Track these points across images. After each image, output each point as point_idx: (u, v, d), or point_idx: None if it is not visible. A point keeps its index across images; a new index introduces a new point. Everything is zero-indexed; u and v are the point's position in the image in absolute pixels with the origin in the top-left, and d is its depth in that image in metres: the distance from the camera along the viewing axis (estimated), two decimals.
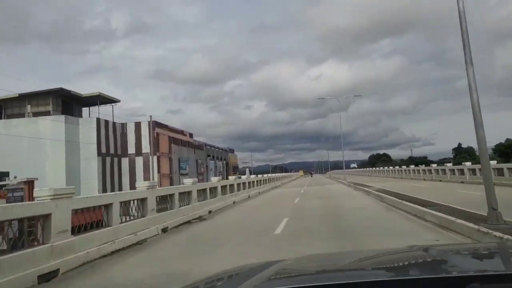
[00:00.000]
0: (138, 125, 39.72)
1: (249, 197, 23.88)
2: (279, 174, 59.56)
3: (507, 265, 1.56)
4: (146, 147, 39.74)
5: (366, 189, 22.54)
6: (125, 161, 39.89)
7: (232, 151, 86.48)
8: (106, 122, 37.82)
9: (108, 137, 37.69)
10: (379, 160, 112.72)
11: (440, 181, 32.18)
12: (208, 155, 63.92)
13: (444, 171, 33.75)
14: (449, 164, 32.16)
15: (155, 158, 39.65)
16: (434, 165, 36.40)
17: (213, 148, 67.64)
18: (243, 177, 31.77)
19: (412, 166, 44.78)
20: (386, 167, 64.33)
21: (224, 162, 74.20)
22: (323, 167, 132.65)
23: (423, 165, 45.83)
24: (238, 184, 22.75)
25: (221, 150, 73.73)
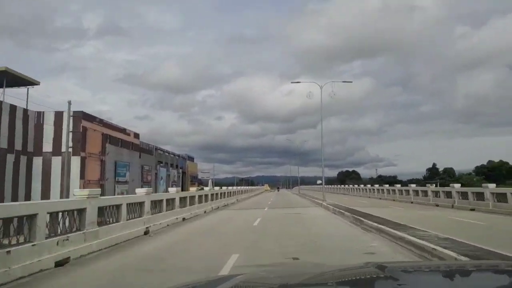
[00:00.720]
0: (59, 116, 30.73)
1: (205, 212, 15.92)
2: (241, 187, 51.58)
3: (457, 285, 1.64)
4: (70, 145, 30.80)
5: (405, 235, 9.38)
6: (37, 161, 30.69)
7: (191, 159, 77.79)
8: (12, 107, 28.64)
9: (14, 128, 28.49)
10: (348, 178, 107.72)
11: (437, 205, 25.64)
12: (160, 161, 55.07)
13: (436, 193, 27.39)
14: (458, 185, 25.51)
15: (77, 159, 30.73)
16: (432, 187, 30.17)
17: (166, 154, 58.87)
18: (206, 188, 28.97)
19: (398, 186, 38.32)
20: (359, 186, 57.71)
21: (181, 170, 65.43)
22: (291, 182, 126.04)
23: (399, 185, 40.03)
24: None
25: (177, 157, 64.98)
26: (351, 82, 39.66)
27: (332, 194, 64.54)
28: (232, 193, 33.35)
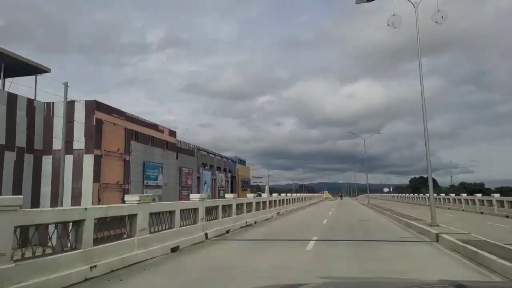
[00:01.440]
0: (71, 106, 25.75)
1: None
2: (294, 195, 43.80)
3: None
4: (81, 141, 25.78)
5: None
6: (47, 161, 26.00)
7: (242, 162, 71.57)
8: (12, 96, 24.12)
9: (15, 122, 23.96)
10: (423, 185, 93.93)
11: None
12: (204, 164, 49.42)
13: None
14: None
15: (89, 157, 25.48)
16: None
17: (211, 156, 53.11)
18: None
19: (497, 195, 28.13)
20: (450, 195, 43.92)
21: (229, 174, 59.35)
22: (356, 189, 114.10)
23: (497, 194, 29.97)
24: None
25: (224, 159, 59.06)
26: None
27: (406, 204, 53.97)
28: (275, 202, 25.69)
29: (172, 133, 38.66)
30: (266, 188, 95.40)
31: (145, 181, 31.94)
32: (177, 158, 38.91)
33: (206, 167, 49.88)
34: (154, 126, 35.19)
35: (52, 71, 27.41)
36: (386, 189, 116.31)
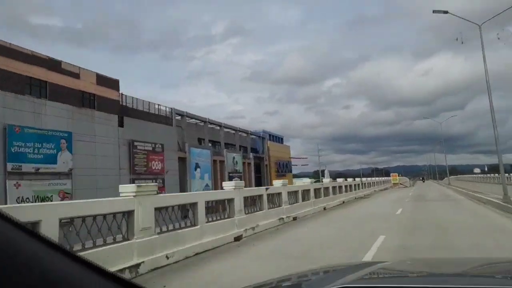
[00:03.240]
0: None
1: None
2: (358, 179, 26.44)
3: None
4: None
5: None
6: None
7: (278, 139, 53.88)
8: None
9: None
10: None
11: None
12: (201, 138, 33.13)
13: None
14: None
15: None
16: None
17: (216, 127, 36.44)
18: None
19: None
20: None
21: (251, 155, 42.22)
22: (437, 172, 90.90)
23: None
24: None
25: (243, 134, 42.11)
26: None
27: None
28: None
29: (106, 82, 22.56)
30: (326, 172, 76.52)
31: (10, 164, 16.46)
32: (121, 125, 22.93)
33: (204, 144, 33.51)
34: (49, 63, 19.33)
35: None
36: (477, 170, 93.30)
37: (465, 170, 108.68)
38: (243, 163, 39.40)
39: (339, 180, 25.78)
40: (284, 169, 51.18)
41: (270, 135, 50.37)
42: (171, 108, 28.87)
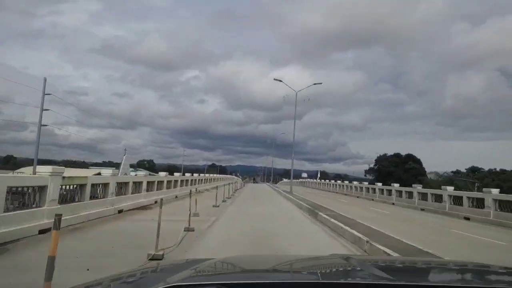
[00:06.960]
0: None
1: None
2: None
3: (422, 278, 1.72)
4: None
5: None
6: None
7: None
8: None
9: None
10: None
11: None
12: None
13: None
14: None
15: None
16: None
17: None
18: (161, 174, 20.91)
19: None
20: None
21: None
22: (272, 174, 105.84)
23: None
24: None
25: None
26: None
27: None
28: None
29: None
30: (124, 159, 76.70)
31: None
32: None
33: None
34: None
35: None
36: (304, 174, 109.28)
37: (295, 174, 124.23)
38: None
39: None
40: None
41: None
42: None
